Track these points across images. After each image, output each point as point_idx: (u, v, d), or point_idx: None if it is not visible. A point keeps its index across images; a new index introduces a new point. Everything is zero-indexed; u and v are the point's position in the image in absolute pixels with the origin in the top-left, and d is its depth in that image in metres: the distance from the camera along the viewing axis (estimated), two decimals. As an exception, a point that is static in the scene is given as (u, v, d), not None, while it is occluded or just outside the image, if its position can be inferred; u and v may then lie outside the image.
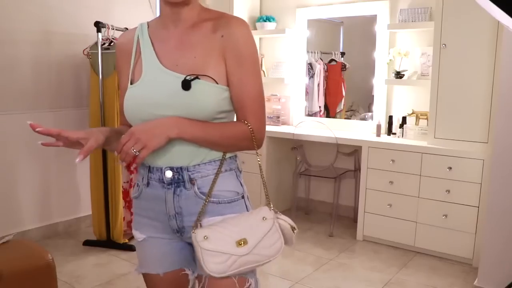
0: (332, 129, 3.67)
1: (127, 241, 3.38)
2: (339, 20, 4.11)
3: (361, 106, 4.10)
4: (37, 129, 1.09)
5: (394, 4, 3.66)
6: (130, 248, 3.31)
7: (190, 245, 1.23)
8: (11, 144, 3.29)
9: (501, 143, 2.59)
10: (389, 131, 3.68)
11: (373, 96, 3.84)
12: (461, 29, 3.02)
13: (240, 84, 1.16)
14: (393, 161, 3.32)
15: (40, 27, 3.38)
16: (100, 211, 3.34)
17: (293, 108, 4.27)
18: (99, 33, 3.18)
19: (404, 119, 3.57)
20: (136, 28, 1.27)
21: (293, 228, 1.18)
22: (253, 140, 1.18)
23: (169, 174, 1.17)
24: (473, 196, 3.03)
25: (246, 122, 1.18)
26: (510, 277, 2.56)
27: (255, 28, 4.22)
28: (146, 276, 1.31)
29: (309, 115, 4.23)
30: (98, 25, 3.18)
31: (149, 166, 1.21)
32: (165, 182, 1.18)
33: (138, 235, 1.28)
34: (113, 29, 3.29)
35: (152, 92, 1.15)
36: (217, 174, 1.18)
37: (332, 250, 3.37)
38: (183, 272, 1.27)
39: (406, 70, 3.59)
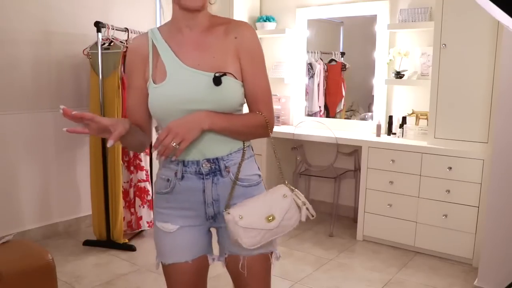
0: (332, 129, 3.67)
1: (127, 241, 3.38)
2: (339, 20, 4.11)
3: (361, 106, 4.10)
4: (72, 113, 1.16)
5: (394, 4, 3.66)
6: (130, 248, 3.31)
7: (209, 231, 1.41)
8: (11, 144, 3.29)
9: (501, 143, 2.59)
10: (389, 131, 3.68)
11: (373, 96, 3.84)
12: (461, 29, 3.02)
13: (253, 80, 1.32)
14: (393, 161, 3.32)
15: (40, 27, 3.38)
16: (100, 211, 3.34)
17: (293, 108, 4.27)
18: (99, 33, 3.18)
19: (404, 119, 3.57)
20: (146, 33, 1.36)
21: (304, 203, 1.33)
22: (267, 127, 1.35)
23: (206, 166, 1.31)
24: (473, 196, 3.03)
25: (260, 113, 1.34)
26: (510, 277, 2.56)
27: (255, 28, 4.22)
28: (172, 267, 1.37)
29: (309, 115, 4.24)
30: (98, 25, 3.18)
31: (183, 161, 1.31)
32: (203, 173, 1.31)
33: (170, 226, 1.35)
34: (113, 29, 3.29)
35: (184, 89, 1.26)
36: (242, 161, 1.34)
37: (332, 250, 3.37)
38: (210, 256, 1.41)
39: (406, 70, 3.59)
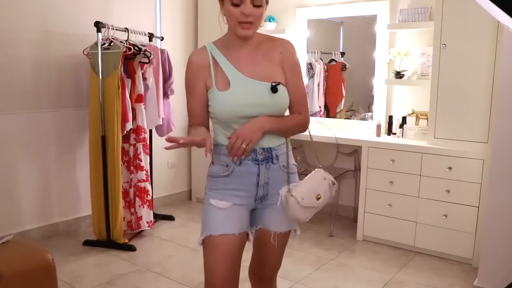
0: (332, 129, 3.67)
1: (127, 241, 3.38)
2: (339, 20, 4.11)
3: (361, 106, 4.10)
4: (180, 141, 1.40)
5: (394, 4, 3.66)
6: (130, 248, 3.31)
7: (250, 213, 1.67)
8: (11, 144, 3.29)
9: (501, 143, 2.60)
10: (389, 131, 3.68)
11: (373, 96, 3.84)
12: (461, 29, 3.02)
13: (295, 87, 1.63)
14: (393, 161, 3.32)
15: (40, 27, 3.38)
16: (100, 211, 3.34)
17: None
18: (99, 33, 3.18)
19: (404, 119, 3.57)
20: (204, 47, 1.62)
21: (333, 183, 1.65)
22: (306, 125, 1.68)
23: (262, 154, 1.60)
24: (473, 196, 3.03)
25: (300, 114, 1.65)
26: (510, 277, 2.56)
27: (255, 28, 4.22)
28: (221, 238, 1.57)
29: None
30: (98, 25, 3.18)
31: None
32: (259, 159, 1.59)
33: (225, 204, 1.59)
34: (113, 29, 3.29)
35: (247, 96, 1.54)
36: (288, 151, 1.65)
37: (332, 250, 3.38)
38: (254, 230, 1.68)
39: (406, 70, 3.59)
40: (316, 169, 1.68)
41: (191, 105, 1.64)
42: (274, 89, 1.54)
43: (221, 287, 1.57)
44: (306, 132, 1.75)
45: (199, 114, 1.63)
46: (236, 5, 1.49)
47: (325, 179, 1.63)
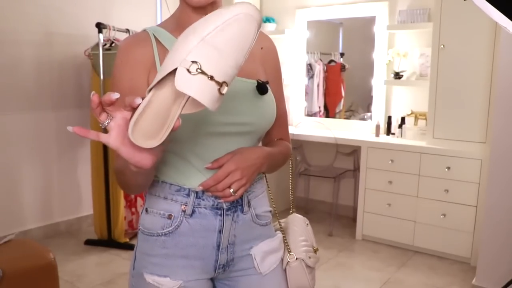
0: (332, 129, 3.69)
1: (128, 240, 3.40)
2: (338, 21, 4.13)
3: (360, 106, 4.12)
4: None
5: (393, 5, 3.68)
6: (132, 248, 3.33)
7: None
8: (13, 144, 3.31)
9: (499, 143, 2.62)
10: (388, 131, 3.70)
11: (372, 96, 3.86)
12: (460, 30, 3.04)
13: (278, 101, 1.11)
14: (392, 161, 3.34)
15: (41, 28, 3.40)
16: (102, 210, 3.36)
17: (293, 108, 4.29)
18: (100, 34, 3.20)
19: (403, 119, 3.59)
20: (142, 31, 1.04)
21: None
22: (290, 156, 1.19)
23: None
24: (471, 196, 3.05)
25: (286, 140, 1.18)
26: (508, 276, 2.58)
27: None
28: None
29: (308, 115, 4.25)
30: (99, 26, 3.20)
31: (197, 192, 1.00)
32: (224, 207, 1.02)
33: (170, 283, 1.01)
34: (114, 30, 3.31)
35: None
36: (261, 192, 1.11)
37: (332, 250, 3.39)
38: None
39: (405, 71, 3.61)
40: (292, 214, 1.23)
41: None
42: (262, 88, 1.01)
43: None
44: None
45: None
46: None
47: (307, 224, 1.21)
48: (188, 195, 1.00)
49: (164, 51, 0.98)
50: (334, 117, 4.20)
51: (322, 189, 4.24)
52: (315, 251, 1.16)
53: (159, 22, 4.23)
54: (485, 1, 1.57)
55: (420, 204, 3.25)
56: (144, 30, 1.04)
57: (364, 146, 3.48)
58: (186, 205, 1.00)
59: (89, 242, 3.42)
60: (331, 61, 4.16)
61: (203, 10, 1.00)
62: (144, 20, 4.08)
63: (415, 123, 3.52)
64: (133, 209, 3.57)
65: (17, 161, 3.34)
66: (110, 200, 3.34)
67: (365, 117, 4.01)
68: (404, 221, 3.34)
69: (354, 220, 3.84)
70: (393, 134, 3.66)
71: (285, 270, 1.13)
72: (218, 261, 1.04)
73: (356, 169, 3.83)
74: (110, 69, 3.26)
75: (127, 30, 3.45)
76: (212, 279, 1.09)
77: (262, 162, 1.03)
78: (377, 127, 3.66)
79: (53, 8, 3.44)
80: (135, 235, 3.56)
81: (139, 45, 1.00)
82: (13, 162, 3.33)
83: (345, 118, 4.14)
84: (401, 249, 3.39)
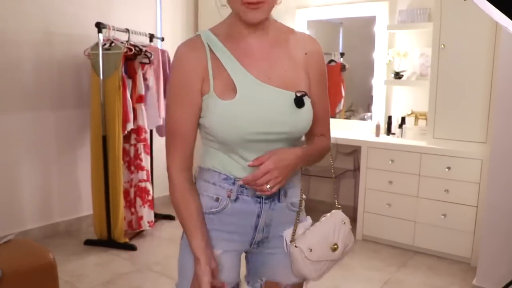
0: (332, 129, 3.68)
1: (127, 240, 3.40)
2: (338, 21, 4.13)
3: (360, 106, 4.12)
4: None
5: (393, 5, 3.67)
6: (131, 248, 3.33)
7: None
8: (12, 144, 3.30)
9: (499, 143, 2.61)
10: (388, 131, 3.69)
11: (372, 96, 3.86)
12: (460, 30, 3.04)
13: (321, 101, 1.23)
14: (392, 161, 3.34)
15: (41, 27, 3.39)
16: (101, 210, 3.36)
17: (293, 108, 4.28)
18: (100, 34, 3.20)
19: (403, 119, 3.59)
20: (198, 36, 1.14)
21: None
22: (329, 150, 1.31)
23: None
24: (471, 196, 3.05)
25: (325, 136, 1.28)
26: (508, 276, 2.58)
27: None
28: None
29: (308, 115, 4.24)
30: (99, 26, 3.20)
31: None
32: (263, 196, 1.16)
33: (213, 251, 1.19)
34: (114, 29, 3.31)
35: (262, 109, 1.10)
36: (297, 184, 1.25)
37: (332, 250, 3.39)
38: (258, 284, 1.29)
39: (405, 71, 3.61)
40: (334, 210, 1.29)
41: (177, 120, 1.14)
42: (299, 102, 1.11)
43: None
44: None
45: (189, 134, 1.14)
46: None
47: (344, 223, 1.26)
48: (234, 183, 1.16)
49: (216, 60, 1.11)
50: (334, 117, 4.20)
51: (322, 189, 4.24)
52: (333, 248, 1.22)
53: (159, 22, 4.23)
54: (486, 1, 1.57)
55: (420, 204, 3.25)
56: (198, 36, 1.15)
57: (364, 146, 3.47)
58: (231, 192, 1.16)
59: (88, 242, 3.41)
60: (331, 61, 4.16)
61: (255, 25, 1.11)
62: (143, 20, 4.07)
63: (415, 123, 3.51)
64: (133, 209, 3.56)
65: (16, 161, 3.34)
66: (109, 200, 3.33)
67: (365, 117, 4.00)
68: (404, 221, 3.34)
69: (354, 220, 3.84)
70: (393, 134, 3.65)
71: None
72: (255, 239, 1.22)
73: (356, 169, 3.83)
74: (110, 69, 3.26)
75: (127, 30, 3.45)
76: (246, 252, 1.28)
77: (298, 162, 1.14)
78: (377, 127, 3.65)
79: (52, 7, 3.44)
80: (134, 235, 3.56)
81: (195, 54, 1.12)
82: (13, 162, 3.32)
83: (345, 118, 4.14)
84: (401, 249, 3.38)
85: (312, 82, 1.20)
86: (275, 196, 1.19)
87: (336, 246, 1.22)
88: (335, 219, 1.26)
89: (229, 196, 1.16)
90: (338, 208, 1.30)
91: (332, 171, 1.37)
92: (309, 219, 1.27)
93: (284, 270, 1.24)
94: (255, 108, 1.10)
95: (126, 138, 3.49)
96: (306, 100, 1.14)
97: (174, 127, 1.14)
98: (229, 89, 1.10)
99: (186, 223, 1.14)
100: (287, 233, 1.22)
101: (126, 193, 3.54)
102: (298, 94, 1.12)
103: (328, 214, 1.27)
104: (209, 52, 1.12)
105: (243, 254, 1.30)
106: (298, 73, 1.17)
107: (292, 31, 1.22)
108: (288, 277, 1.24)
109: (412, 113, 3.57)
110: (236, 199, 1.17)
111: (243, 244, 1.22)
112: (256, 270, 1.29)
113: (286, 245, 1.21)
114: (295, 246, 1.18)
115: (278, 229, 1.23)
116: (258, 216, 1.19)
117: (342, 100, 4.17)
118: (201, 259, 1.11)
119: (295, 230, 1.21)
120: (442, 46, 3.10)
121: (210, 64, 1.11)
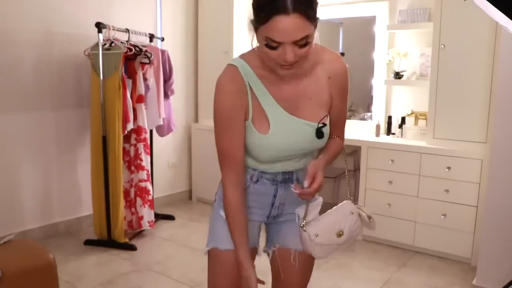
0: (332, 129, 3.68)
1: (127, 240, 3.40)
2: (338, 21, 4.12)
3: (360, 106, 4.11)
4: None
5: (393, 5, 3.67)
6: (131, 248, 3.33)
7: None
8: (12, 144, 3.30)
9: (499, 143, 2.61)
10: (388, 131, 3.69)
11: (372, 96, 3.86)
12: (460, 30, 3.03)
13: (339, 111, 1.45)
14: (392, 161, 3.34)
15: (41, 27, 3.39)
16: (101, 210, 3.36)
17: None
18: (100, 34, 3.20)
19: (403, 119, 3.59)
20: (236, 69, 1.31)
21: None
22: (343, 149, 1.55)
23: (282, 176, 1.44)
24: (471, 196, 3.05)
25: (340, 138, 1.52)
26: (509, 276, 2.58)
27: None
28: (227, 253, 1.44)
29: (308, 115, 4.24)
30: (99, 26, 3.20)
31: (260, 171, 1.43)
32: (278, 180, 1.44)
33: None
34: (114, 30, 3.31)
35: (291, 140, 1.35)
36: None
37: (332, 250, 3.39)
38: (271, 250, 1.55)
39: (405, 71, 3.61)
40: (345, 201, 1.50)
41: (228, 144, 1.35)
42: (319, 134, 1.36)
43: None
44: None
45: (239, 153, 1.36)
46: (273, 48, 1.18)
47: (352, 213, 1.45)
48: (255, 169, 1.43)
49: (253, 93, 1.31)
50: (334, 117, 4.20)
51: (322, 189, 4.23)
52: (339, 234, 1.42)
53: (159, 22, 4.23)
54: (486, 1, 1.57)
55: (421, 204, 3.25)
56: (236, 69, 1.31)
57: (364, 146, 3.47)
58: (253, 176, 1.43)
59: (88, 242, 3.42)
60: (331, 61, 4.15)
61: None
62: (143, 20, 4.08)
63: (416, 123, 3.51)
64: (133, 209, 3.56)
65: (16, 161, 3.34)
66: (109, 200, 3.33)
67: (365, 117, 4.00)
68: (404, 221, 3.34)
69: (354, 220, 3.83)
70: (394, 134, 3.65)
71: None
72: (271, 213, 1.49)
73: (356, 169, 3.83)
74: (110, 69, 3.26)
75: (127, 30, 3.45)
76: (265, 224, 1.55)
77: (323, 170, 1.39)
78: (377, 127, 3.65)
79: (52, 7, 3.44)
80: (135, 235, 3.56)
81: (236, 87, 1.30)
82: (13, 162, 3.32)
83: (345, 118, 4.13)
84: (402, 249, 3.38)
85: (334, 98, 1.40)
86: (289, 180, 1.44)
87: (341, 233, 1.42)
88: (344, 209, 1.46)
89: (251, 179, 1.43)
90: (349, 199, 1.50)
91: (346, 166, 1.66)
92: (319, 198, 1.49)
93: (294, 238, 1.46)
94: (285, 139, 1.34)
95: (126, 138, 3.49)
96: (326, 130, 1.38)
97: (227, 152, 1.36)
98: (263, 122, 1.32)
99: (234, 233, 1.38)
100: (300, 210, 1.43)
101: (126, 193, 3.54)
102: (320, 126, 1.35)
103: (340, 203, 1.48)
104: (248, 86, 1.31)
105: (263, 226, 1.57)
106: (321, 97, 1.37)
107: (321, 60, 1.37)
108: (297, 244, 1.45)
109: (412, 113, 3.57)
110: (257, 181, 1.43)
111: (262, 216, 1.49)
112: (271, 238, 1.54)
113: (298, 219, 1.42)
114: (304, 230, 1.39)
115: (291, 208, 1.47)
116: (274, 196, 1.45)
117: (342, 100, 4.16)
118: (245, 263, 1.36)
119: (307, 210, 1.43)
120: (442, 46, 3.10)
121: (250, 97, 1.31)
